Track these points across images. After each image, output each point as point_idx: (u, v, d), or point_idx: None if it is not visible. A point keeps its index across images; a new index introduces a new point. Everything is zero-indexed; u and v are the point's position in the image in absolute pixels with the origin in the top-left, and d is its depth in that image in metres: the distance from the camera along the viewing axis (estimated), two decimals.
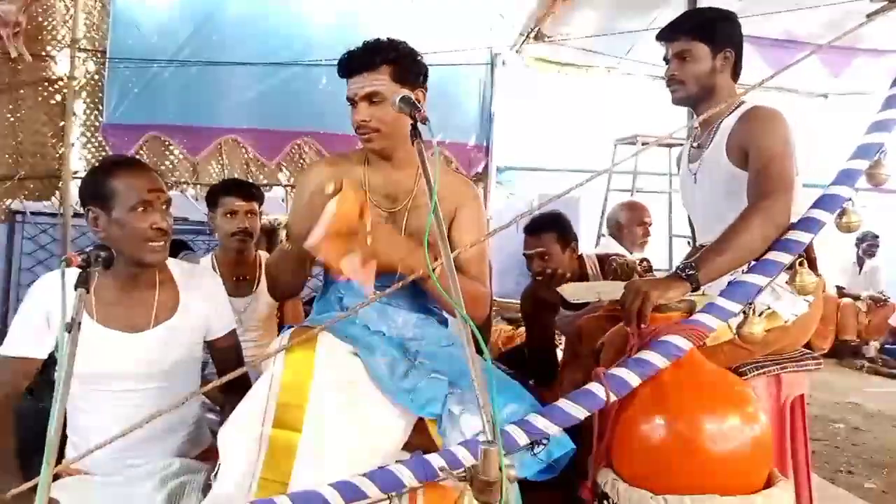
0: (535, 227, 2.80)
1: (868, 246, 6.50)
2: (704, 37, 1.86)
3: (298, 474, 1.30)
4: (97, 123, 4.36)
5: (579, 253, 2.92)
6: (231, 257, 2.65)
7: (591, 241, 3.05)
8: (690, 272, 1.53)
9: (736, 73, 1.91)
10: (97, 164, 1.72)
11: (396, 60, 1.65)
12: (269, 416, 1.34)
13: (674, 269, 1.58)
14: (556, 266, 2.70)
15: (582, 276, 2.84)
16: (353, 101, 1.68)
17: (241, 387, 1.61)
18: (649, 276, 2.23)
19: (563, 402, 1.43)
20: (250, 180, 4.24)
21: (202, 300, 1.72)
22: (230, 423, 1.39)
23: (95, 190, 1.56)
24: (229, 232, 2.57)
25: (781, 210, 1.61)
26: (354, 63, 1.66)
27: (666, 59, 1.93)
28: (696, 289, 1.55)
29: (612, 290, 2.01)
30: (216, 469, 1.38)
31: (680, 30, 1.91)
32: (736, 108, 1.85)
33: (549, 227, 2.78)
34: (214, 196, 2.65)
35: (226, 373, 1.46)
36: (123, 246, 1.55)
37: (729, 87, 1.89)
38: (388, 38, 1.68)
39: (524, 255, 2.81)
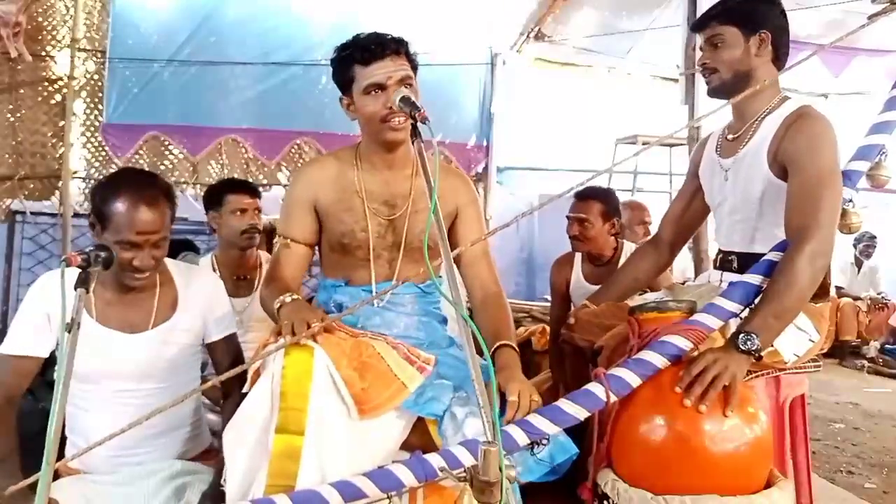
0: (584, 194, 2.90)
1: (865, 247, 6.49)
2: (735, 19, 1.73)
3: (303, 477, 1.30)
4: (97, 123, 4.36)
5: (621, 241, 3.01)
6: (232, 257, 2.65)
7: None
8: (753, 347, 1.44)
9: (778, 59, 1.77)
10: (110, 175, 1.68)
11: (409, 51, 1.66)
12: (272, 422, 1.34)
13: (732, 336, 1.48)
14: (592, 236, 2.85)
15: (614, 260, 2.92)
16: (381, 87, 1.60)
17: (239, 394, 1.60)
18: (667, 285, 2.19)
19: (563, 403, 1.43)
20: (250, 180, 4.24)
21: (201, 301, 1.72)
22: (232, 426, 1.38)
23: (96, 204, 1.55)
24: (239, 230, 2.58)
25: (826, 247, 1.53)
26: (386, 46, 1.60)
27: (701, 49, 1.82)
28: (758, 357, 1.50)
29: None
30: (224, 474, 1.38)
31: (709, 15, 1.79)
32: (780, 103, 1.74)
33: (598, 197, 2.90)
34: (218, 195, 2.64)
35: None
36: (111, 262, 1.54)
37: (769, 74, 1.74)
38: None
39: (567, 217, 2.93)
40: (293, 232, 1.74)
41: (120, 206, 1.52)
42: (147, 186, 1.57)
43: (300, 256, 1.75)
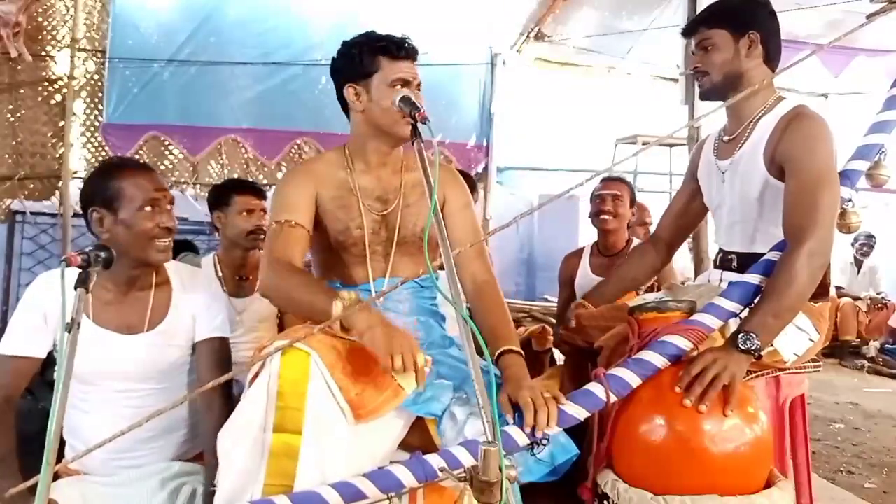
0: (613, 177, 3.05)
1: (861, 245, 6.49)
2: (722, 22, 1.75)
3: (301, 476, 1.29)
4: (97, 123, 4.37)
5: (630, 237, 3.08)
6: (234, 258, 2.65)
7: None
8: (753, 346, 1.45)
9: (769, 59, 1.77)
10: (99, 166, 1.70)
11: None
12: (269, 421, 1.34)
13: (731, 335, 1.49)
14: (622, 213, 2.95)
15: (622, 254, 2.97)
16: (407, 84, 1.64)
17: (221, 401, 1.61)
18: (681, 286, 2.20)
19: (563, 403, 1.43)
20: (250, 180, 4.25)
21: (194, 302, 1.71)
22: (228, 426, 1.38)
23: (100, 191, 1.56)
24: (246, 230, 2.58)
25: (824, 246, 1.54)
26: (415, 49, 1.67)
27: (693, 54, 1.84)
28: (758, 356, 1.51)
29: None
30: (215, 474, 1.38)
31: (698, 20, 1.82)
32: (775, 103, 1.74)
33: (627, 184, 3.05)
34: (225, 195, 2.64)
35: (201, 381, 1.45)
36: (129, 247, 1.55)
37: (762, 75, 1.74)
38: None
39: (596, 195, 3.00)
40: (297, 215, 1.65)
41: (127, 178, 1.56)
42: (135, 160, 1.67)
43: (303, 239, 1.67)
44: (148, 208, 1.55)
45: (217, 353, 1.73)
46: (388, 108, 1.62)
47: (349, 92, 1.69)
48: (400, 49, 1.65)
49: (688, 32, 1.84)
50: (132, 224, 1.54)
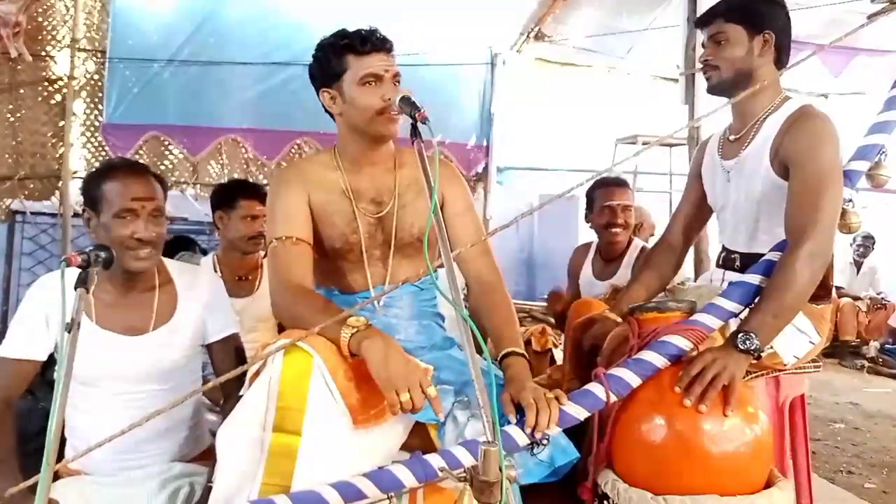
0: (619, 181, 2.97)
1: (859, 246, 6.51)
2: (739, 18, 1.73)
3: (299, 477, 1.29)
4: (97, 123, 4.38)
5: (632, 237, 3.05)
6: (233, 258, 2.65)
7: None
8: (752, 346, 1.45)
9: (780, 60, 1.77)
10: (98, 166, 1.71)
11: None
12: (268, 421, 1.33)
13: (731, 335, 1.49)
14: (630, 224, 2.88)
15: (621, 256, 2.92)
16: (378, 79, 1.57)
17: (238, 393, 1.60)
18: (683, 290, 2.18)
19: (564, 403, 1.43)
20: (250, 180, 4.25)
21: (201, 302, 1.71)
22: (228, 425, 1.37)
23: (88, 192, 1.57)
24: (247, 235, 2.59)
25: (825, 247, 1.54)
26: (384, 40, 1.61)
27: (704, 46, 1.82)
28: (758, 357, 1.50)
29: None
30: (214, 471, 1.38)
31: (715, 12, 1.78)
32: (781, 103, 1.73)
33: (629, 187, 2.98)
34: (230, 197, 2.64)
35: (221, 375, 1.44)
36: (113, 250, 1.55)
37: (770, 75, 1.73)
38: None
39: (606, 205, 2.86)
40: (296, 229, 1.62)
41: (111, 182, 1.55)
42: (132, 164, 1.66)
43: (307, 255, 1.63)
44: (124, 216, 1.53)
45: (236, 350, 1.79)
46: (365, 108, 1.57)
47: (324, 97, 1.64)
48: (364, 43, 1.58)
49: (702, 23, 1.82)
50: (109, 229, 1.53)
